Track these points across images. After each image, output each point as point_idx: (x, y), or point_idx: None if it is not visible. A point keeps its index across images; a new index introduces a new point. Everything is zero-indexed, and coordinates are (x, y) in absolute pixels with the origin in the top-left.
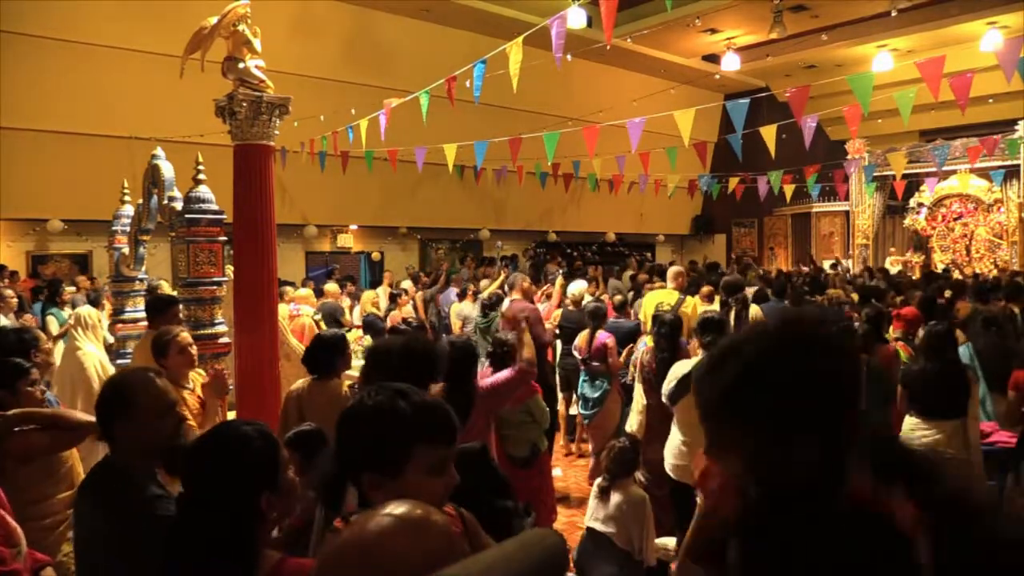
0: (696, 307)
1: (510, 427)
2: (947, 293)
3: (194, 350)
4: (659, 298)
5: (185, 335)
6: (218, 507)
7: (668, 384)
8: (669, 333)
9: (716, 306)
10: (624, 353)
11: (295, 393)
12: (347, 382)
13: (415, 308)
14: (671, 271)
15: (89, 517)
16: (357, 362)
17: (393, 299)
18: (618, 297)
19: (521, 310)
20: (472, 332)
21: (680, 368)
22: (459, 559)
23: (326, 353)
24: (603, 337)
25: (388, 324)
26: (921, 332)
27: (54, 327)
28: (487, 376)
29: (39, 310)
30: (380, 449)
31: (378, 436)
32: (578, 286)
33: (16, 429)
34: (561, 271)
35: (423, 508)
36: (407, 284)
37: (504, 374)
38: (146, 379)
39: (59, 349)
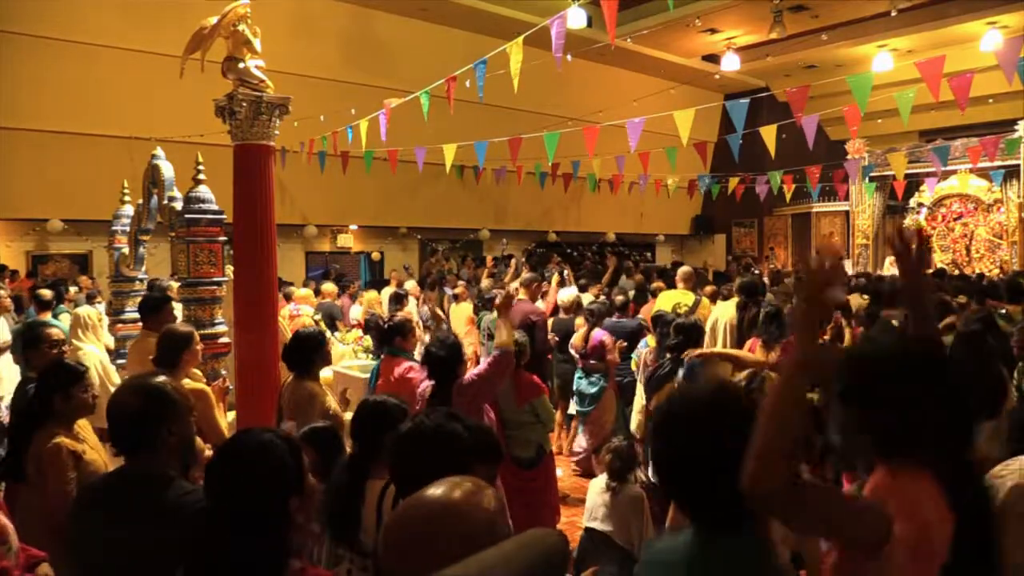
0: (710, 309)
1: (515, 428)
2: (961, 298)
3: (200, 347)
4: (675, 299)
5: (196, 333)
6: (250, 515)
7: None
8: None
9: (731, 306)
10: (618, 348)
11: (281, 387)
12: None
13: (418, 309)
14: (681, 272)
15: (114, 529)
16: (356, 361)
17: (398, 299)
18: (620, 297)
19: (530, 312)
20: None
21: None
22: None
23: (301, 351)
24: (599, 335)
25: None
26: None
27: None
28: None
29: (34, 313)
30: (439, 470)
31: (439, 457)
32: (569, 293)
33: None
34: (558, 270)
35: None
36: (410, 284)
37: (481, 365)
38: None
39: None
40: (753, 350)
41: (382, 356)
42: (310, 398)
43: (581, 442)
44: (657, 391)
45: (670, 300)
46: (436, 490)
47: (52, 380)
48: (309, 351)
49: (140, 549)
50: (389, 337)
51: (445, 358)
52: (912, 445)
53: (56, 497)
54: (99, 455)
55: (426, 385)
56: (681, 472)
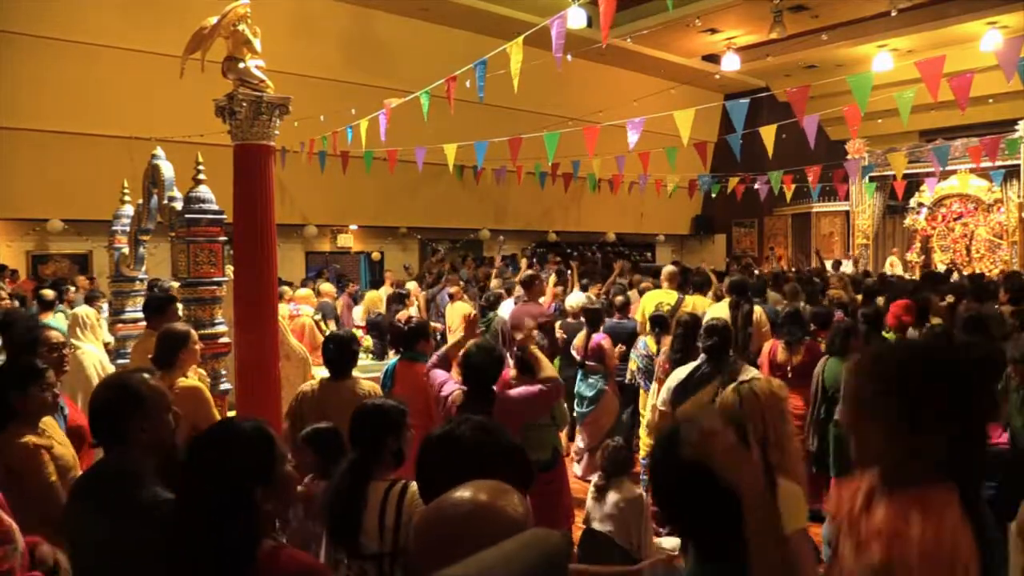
0: (695, 306)
1: (532, 430)
2: (949, 298)
3: (199, 347)
4: (658, 298)
5: (194, 332)
6: (214, 500)
7: (667, 389)
8: (684, 333)
9: (724, 306)
10: (617, 353)
11: (307, 394)
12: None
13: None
14: (665, 271)
15: (89, 522)
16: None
17: (401, 299)
18: (619, 298)
19: (539, 315)
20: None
21: (679, 373)
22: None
23: (344, 352)
24: (598, 338)
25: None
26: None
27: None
28: (506, 376)
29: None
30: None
31: (468, 467)
32: (576, 299)
33: None
34: (556, 269)
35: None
36: (411, 285)
37: (531, 390)
38: (145, 377)
39: None
40: (775, 351)
41: (399, 359)
42: (370, 395)
43: (579, 443)
44: (692, 394)
45: (653, 299)
46: (465, 492)
47: (8, 380)
48: (351, 352)
49: (107, 543)
50: (411, 340)
51: (489, 368)
52: (952, 464)
53: (42, 491)
54: (67, 450)
55: (454, 389)
56: (680, 504)
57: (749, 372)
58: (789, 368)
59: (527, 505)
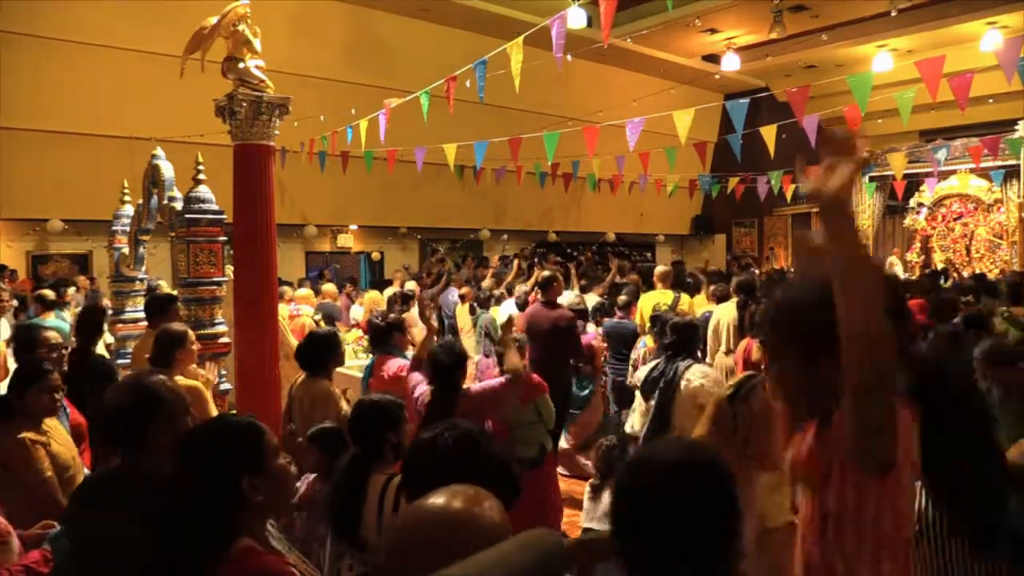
0: (692, 305)
1: (519, 427)
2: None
3: (196, 347)
4: (655, 299)
5: (191, 332)
6: (199, 488)
7: (640, 377)
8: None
9: (732, 306)
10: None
11: (292, 385)
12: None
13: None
14: (658, 271)
15: (98, 524)
16: (356, 361)
17: (406, 299)
18: (622, 298)
19: (558, 318)
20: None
21: (641, 372)
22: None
23: (316, 351)
24: (587, 338)
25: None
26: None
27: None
28: (490, 375)
29: (33, 313)
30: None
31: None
32: (566, 298)
33: None
34: (558, 270)
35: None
36: (411, 285)
37: (492, 383)
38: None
39: None
40: (750, 350)
41: (376, 354)
42: (327, 396)
43: (563, 443)
44: (650, 393)
45: (650, 300)
46: (438, 498)
47: (12, 381)
48: (324, 351)
49: (120, 546)
50: (386, 335)
51: (452, 366)
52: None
53: (37, 484)
54: (66, 450)
55: (424, 390)
56: (642, 546)
57: (693, 373)
58: (763, 367)
59: (504, 512)
